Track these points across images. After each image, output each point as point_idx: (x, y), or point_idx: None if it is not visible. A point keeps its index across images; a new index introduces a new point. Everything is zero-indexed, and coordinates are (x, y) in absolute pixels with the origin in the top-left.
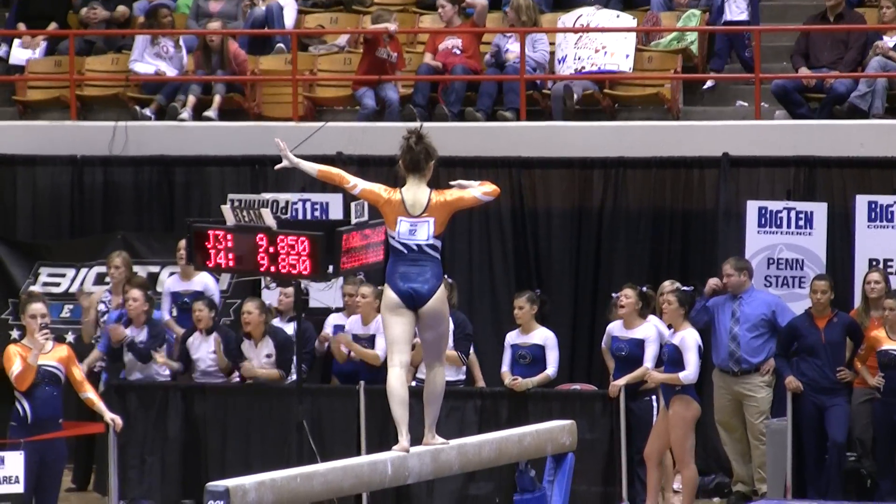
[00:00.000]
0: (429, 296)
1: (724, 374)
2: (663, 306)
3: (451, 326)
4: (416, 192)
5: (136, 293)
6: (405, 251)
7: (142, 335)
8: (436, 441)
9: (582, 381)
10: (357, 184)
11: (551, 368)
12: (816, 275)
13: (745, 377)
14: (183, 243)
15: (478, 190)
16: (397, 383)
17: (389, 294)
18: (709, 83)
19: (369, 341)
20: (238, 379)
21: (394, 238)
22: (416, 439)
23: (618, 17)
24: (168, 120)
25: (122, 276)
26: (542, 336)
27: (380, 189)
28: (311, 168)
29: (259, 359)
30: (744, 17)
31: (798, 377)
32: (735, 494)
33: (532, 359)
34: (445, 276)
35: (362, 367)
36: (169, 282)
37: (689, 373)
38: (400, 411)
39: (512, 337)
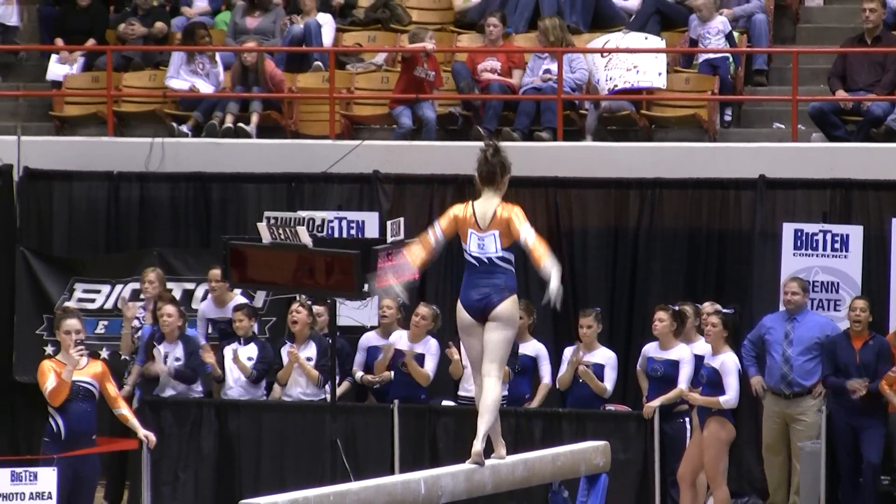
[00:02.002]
0: (499, 301)
1: (776, 397)
2: (706, 329)
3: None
4: (486, 205)
5: (170, 308)
6: (477, 265)
7: (177, 350)
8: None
9: (616, 402)
10: (437, 231)
11: (609, 384)
12: (856, 295)
13: (796, 400)
14: (215, 272)
15: (528, 235)
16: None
17: (461, 313)
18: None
19: (418, 360)
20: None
21: (466, 252)
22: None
23: (646, 39)
24: (205, 137)
25: (156, 292)
26: (605, 356)
27: (453, 213)
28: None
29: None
30: (721, 42)
31: (833, 397)
32: None
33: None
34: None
35: (396, 385)
36: (203, 307)
37: (730, 397)
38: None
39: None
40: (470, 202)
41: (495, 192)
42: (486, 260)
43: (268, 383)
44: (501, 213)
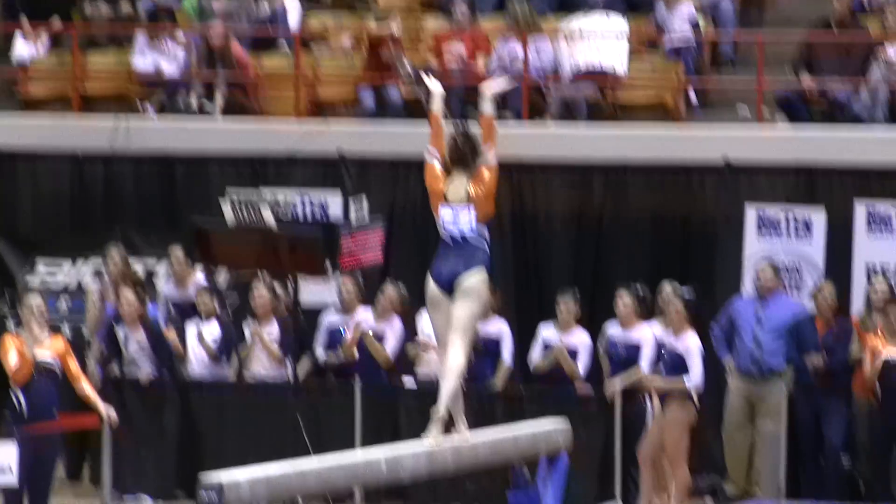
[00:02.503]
0: (466, 276)
1: (744, 377)
2: (668, 310)
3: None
4: (458, 182)
5: (129, 295)
6: (450, 240)
7: (140, 336)
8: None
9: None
10: (433, 151)
11: (582, 368)
12: (823, 279)
13: (765, 382)
14: (177, 253)
15: (489, 156)
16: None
17: (430, 287)
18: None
19: (378, 338)
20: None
21: (440, 226)
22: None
23: (608, 18)
24: (170, 117)
25: (119, 271)
26: (580, 339)
27: (439, 171)
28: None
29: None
30: (686, 29)
31: (797, 380)
32: (727, 495)
33: None
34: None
35: (359, 366)
36: (165, 289)
37: (696, 379)
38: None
39: (551, 333)
40: (443, 174)
41: (465, 174)
42: (458, 234)
43: (231, 362)
44: (476, 187)
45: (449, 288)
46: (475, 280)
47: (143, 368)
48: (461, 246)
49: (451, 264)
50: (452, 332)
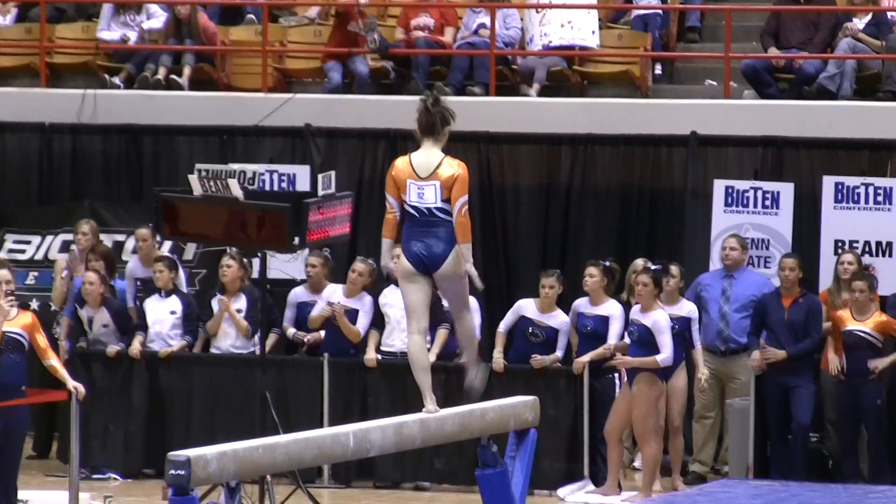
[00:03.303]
0: (441, 258)
1: (711, 353)
2: (637, 287)
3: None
4: (427, 155)
5: (91, 276)
6: (416, 215)
7: (104, 316)
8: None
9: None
10: (391, 203)
11: (560, 352)
12: (785, 253)
13: (732, 357)
14: (143, 231)
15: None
16: (417, 349)
17: (403, 262)
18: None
19: (351, 315)
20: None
21: (406, 202)
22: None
23: None
24: (137, 89)
25: (89, 244)
26: (560, 320)
27: (391, 174)
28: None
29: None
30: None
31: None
32: (692, 474)
33: (545, 339)
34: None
35: (327, 341)
36: (131, 266)
37: (667, 355)
38: (422, 377)
39: (531, 312)
40: (408, 154)
41: (435, 142)
42: (425, 210)
43: (195, 335)
44: (446, 169)
45: (423, 268)
46: (451, 263)
47: (109, 346)
48: (428, 221)
49: (421, 243)
50: (455, 308)
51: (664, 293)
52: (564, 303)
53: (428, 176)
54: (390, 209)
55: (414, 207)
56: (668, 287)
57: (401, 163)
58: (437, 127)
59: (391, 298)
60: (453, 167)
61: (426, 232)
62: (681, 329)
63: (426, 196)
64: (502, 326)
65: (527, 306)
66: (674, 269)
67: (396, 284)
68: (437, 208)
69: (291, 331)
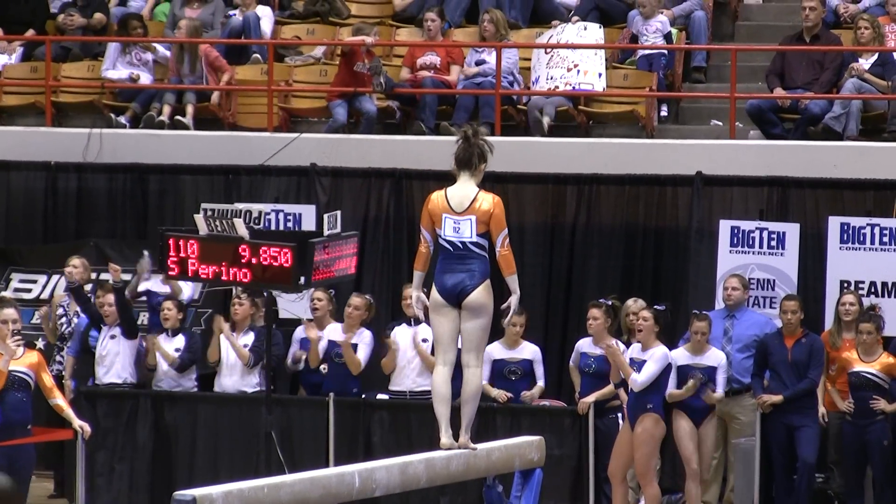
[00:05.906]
0: (472, 290)
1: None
2: (637, 324)
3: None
4: (463, 189)
5: (110, 298)
6: (451, 249)
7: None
8: (469, 445)
9: (551, 397)
10: (425, 236)
11: (540, 382)
12: (786, 294)
13: (734, 398)
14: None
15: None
16: (441, 381)
17: (434, 294)
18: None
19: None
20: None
21: (440, 236)
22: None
23: (585, 29)
24: (143, 128)
25: (80, 279)
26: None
27: (427, 208)
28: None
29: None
30: (659, 40)
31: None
32: None
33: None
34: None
35: (329, 377)
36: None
37: (641, 378)
38: (442, 409)
39: (498, 352)
40: (444, 189)
41: (471, 176)
42: (460, 244)
43: (199, 376)
44: (482, 203)
45: (455, 300)
46: (481, 295)
47: (121, 374)
48: (463, 256)
49: (455, 276)
50: (466, 352)
51: (689, 344)
52: (569, 341)
53: (464, 210)
54: (424, 243)
55: (449, 241)
56: (696, 338)
57: (436, 197)
58: (473, 161)
59: (401, 337)
60: (489, 202)
61: (461, 266)
62: (710, 377)
63: (462, 230)
64: (485, 379)
65: (492, 350)
66: (701, 324)
67: (418, 322)
68: (472, 242)
69: (290, 359)
